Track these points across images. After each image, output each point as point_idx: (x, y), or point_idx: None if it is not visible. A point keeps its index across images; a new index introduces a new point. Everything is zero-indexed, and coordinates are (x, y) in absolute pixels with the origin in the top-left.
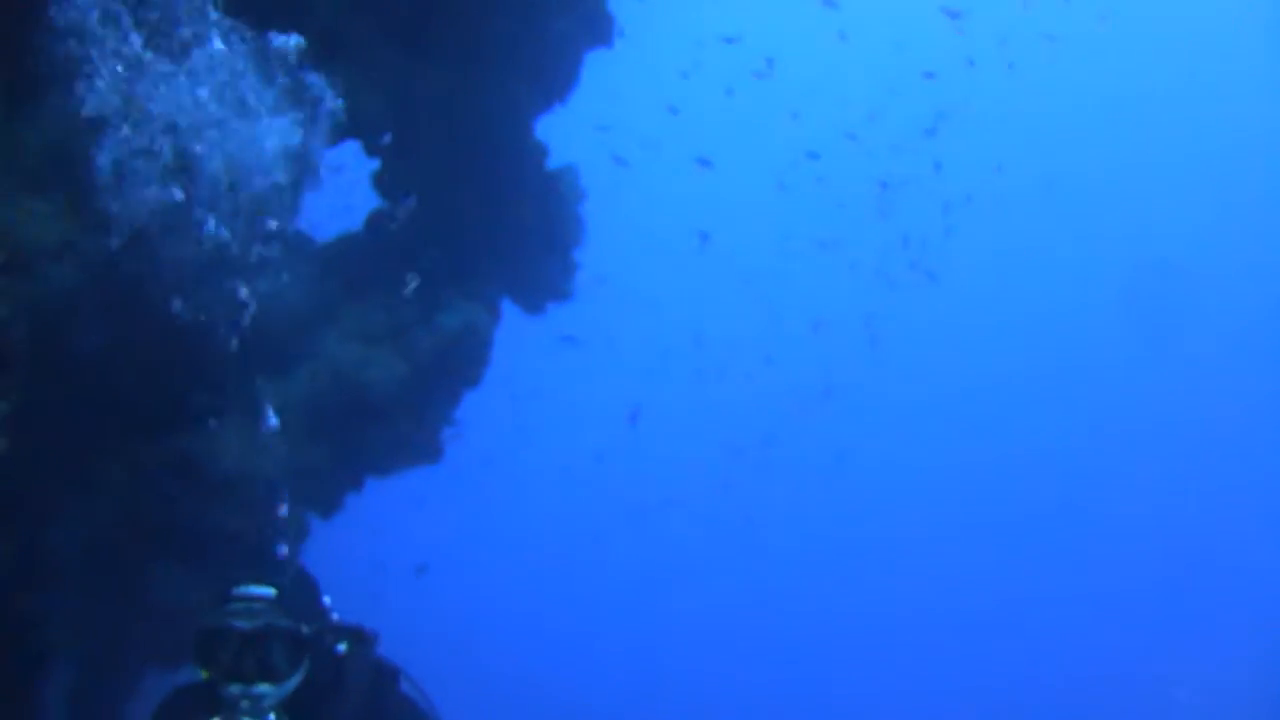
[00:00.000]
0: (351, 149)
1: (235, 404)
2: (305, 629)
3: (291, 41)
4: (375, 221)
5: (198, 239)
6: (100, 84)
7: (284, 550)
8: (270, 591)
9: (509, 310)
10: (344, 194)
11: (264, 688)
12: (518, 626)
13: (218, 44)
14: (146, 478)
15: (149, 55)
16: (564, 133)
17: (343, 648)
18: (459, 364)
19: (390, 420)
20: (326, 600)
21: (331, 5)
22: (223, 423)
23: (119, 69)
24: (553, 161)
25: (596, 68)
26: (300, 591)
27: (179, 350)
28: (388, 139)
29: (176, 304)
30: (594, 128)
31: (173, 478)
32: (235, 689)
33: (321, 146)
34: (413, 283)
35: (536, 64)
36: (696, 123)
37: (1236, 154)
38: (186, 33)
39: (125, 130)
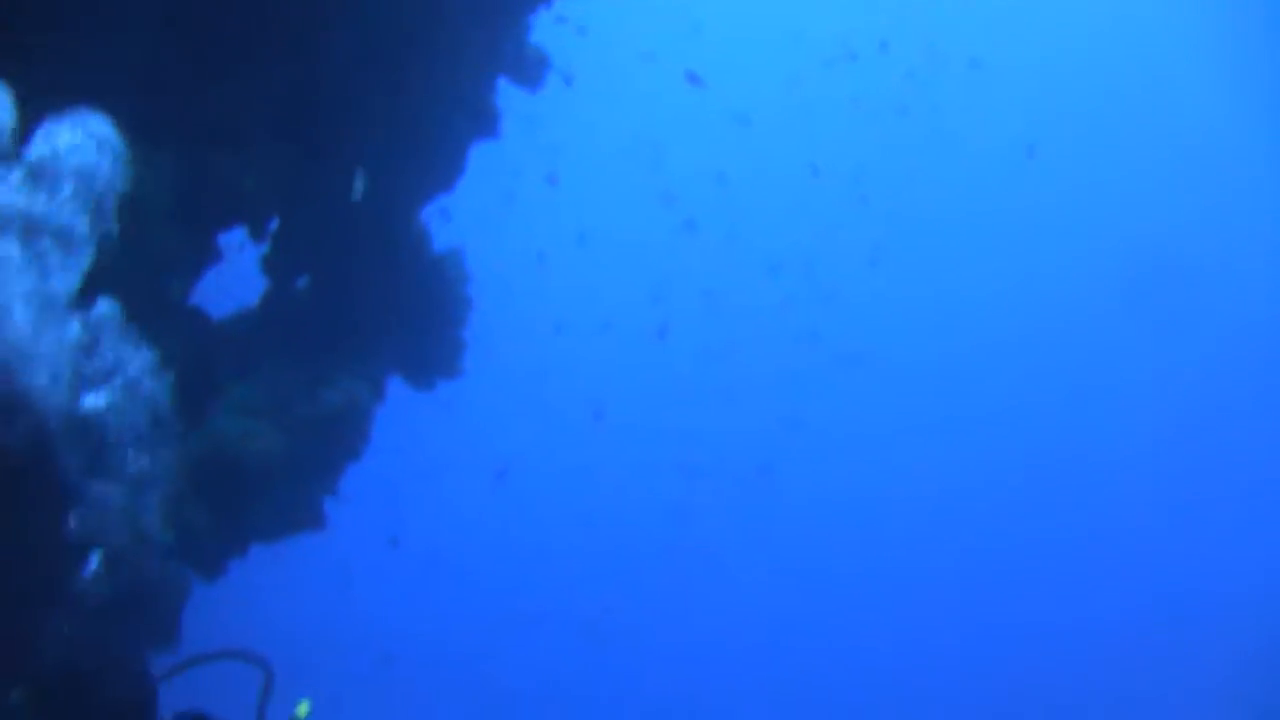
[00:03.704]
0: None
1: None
2: None
3: None
4: (265, 301)
5: None
6: None
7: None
8: None
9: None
10: (238, 274)
11: None
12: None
13: None
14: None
15: None
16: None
17: None
18: (340, 438)
19: (271, 490)
20: None
21: (219, 98)
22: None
23: None
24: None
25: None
26: None
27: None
28: (275, 225)
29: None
30: None
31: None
32: None
33: None
34: (360, 184)
35: (422, 157)
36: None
37: (1235, 148)
38: None
39: None
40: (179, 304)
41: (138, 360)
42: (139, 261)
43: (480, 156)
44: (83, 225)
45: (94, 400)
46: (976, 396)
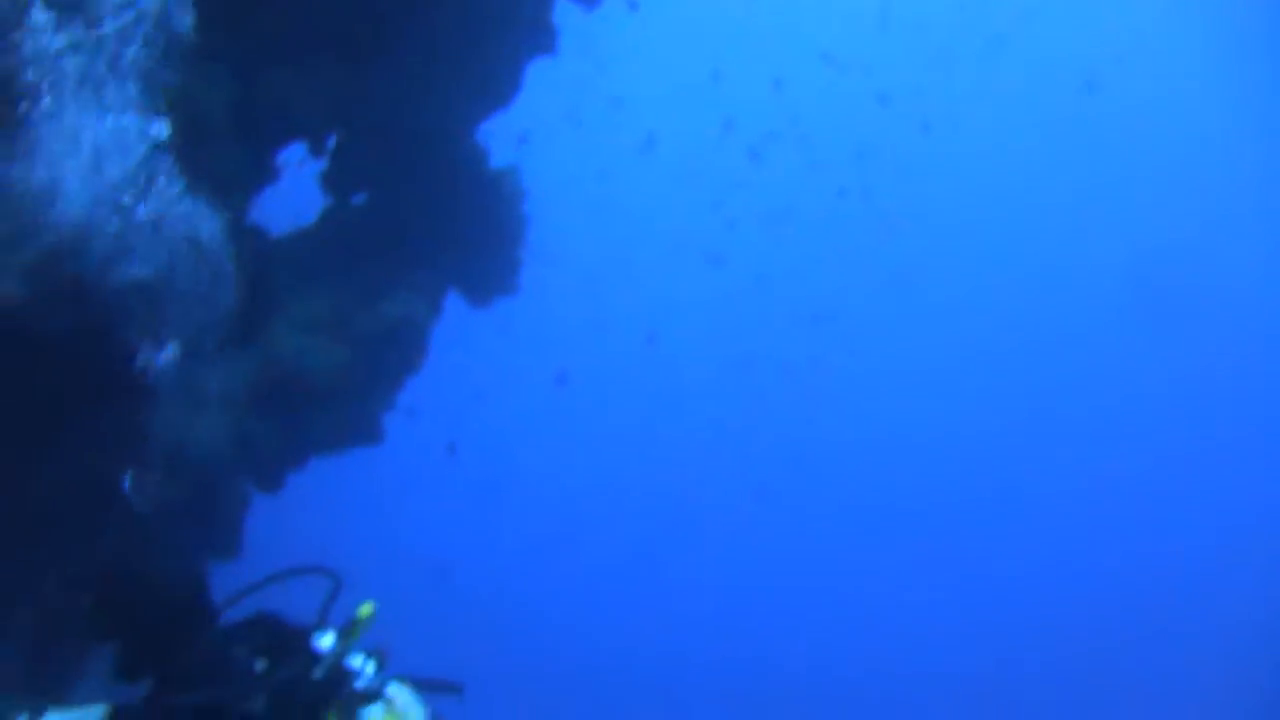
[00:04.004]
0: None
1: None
2: None
3: None
4: (325, 217)
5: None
6: None
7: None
8: None
9: None
10: (297, 191)
11: None
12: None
13: None
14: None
15: None
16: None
17: None
18: (397, 351)
19: (330, 402)
20: None
21: (275, 16)
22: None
23: None
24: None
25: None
26: None
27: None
28: (332, 142)
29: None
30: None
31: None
32: None
33: None
34: None
35: (479, 73)
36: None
37: (1237, 147)
38: None
39: None
40: (238, 221)
41: (195, 215)
42: (198, 179)
43: (542, 73)
44: (137, 65)
45: (149, 259)
46: (1023, 329)
